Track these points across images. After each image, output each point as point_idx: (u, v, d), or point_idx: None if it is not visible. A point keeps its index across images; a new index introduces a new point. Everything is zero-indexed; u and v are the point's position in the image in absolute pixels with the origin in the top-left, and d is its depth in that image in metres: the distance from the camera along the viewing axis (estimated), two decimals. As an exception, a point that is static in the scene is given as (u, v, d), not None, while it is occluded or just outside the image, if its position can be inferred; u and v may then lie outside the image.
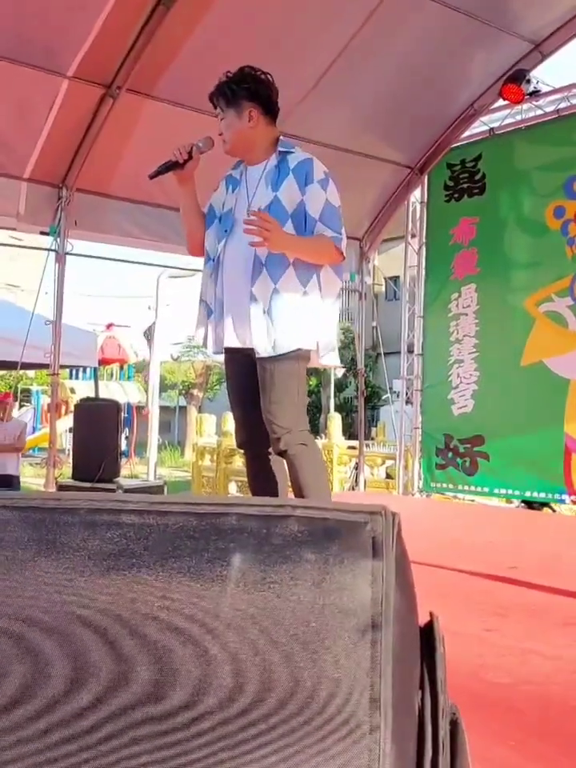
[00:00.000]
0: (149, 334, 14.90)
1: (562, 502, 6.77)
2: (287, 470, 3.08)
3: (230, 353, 3.16)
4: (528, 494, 6.85)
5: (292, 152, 3.11)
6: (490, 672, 2.15)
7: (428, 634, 0.76)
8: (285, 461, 3.05)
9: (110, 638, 0.67)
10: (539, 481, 6.62)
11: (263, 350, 3.01)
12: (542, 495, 6.73)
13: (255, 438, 3.14)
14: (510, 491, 7.00)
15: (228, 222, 3.12)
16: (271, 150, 3.12)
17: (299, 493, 3.00)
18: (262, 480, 3.19)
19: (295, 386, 3.05)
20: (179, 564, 0.67)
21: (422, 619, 0.78)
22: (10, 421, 9.34)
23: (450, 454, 7.32)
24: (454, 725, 0.74)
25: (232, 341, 3.09)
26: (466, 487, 7.25)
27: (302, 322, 3.04)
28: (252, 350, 3.04)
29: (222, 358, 3.24)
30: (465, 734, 0.75)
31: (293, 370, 3.04)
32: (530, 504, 7.25)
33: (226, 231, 3.12)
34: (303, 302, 3.04)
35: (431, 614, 0.79)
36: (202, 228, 3.22)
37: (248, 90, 3.06)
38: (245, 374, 3.10)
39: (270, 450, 3.14)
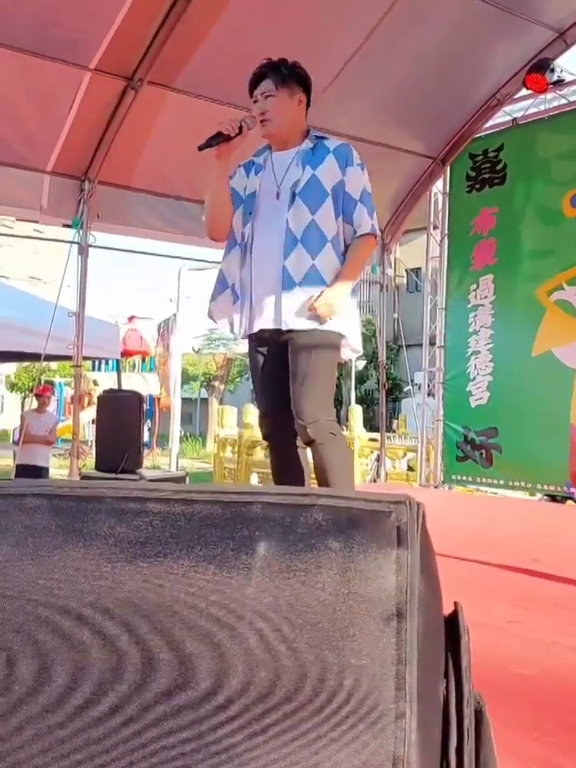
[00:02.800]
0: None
1: (572, 496, 6.73)
2: (311, 460, 3.07)
3: (259, 338, 3.12)
4: (539, 486, 6.82)
5: (327, 137, 3.19)
6: (514, 663, 2.14)
7: (452, 624, 0.76)
8: (310, 450, 3.04)
9: (136, 625, 0.67)
10: (548, 473, 6.58)
11: (301, 323, 2.98)
12: (552, 488, 6.69)
13: (281, 429, 3.12)
14: (523, 484, 6.96)
15: (252, 204, 3.12)
16: (302, 139, 3.15)
17: (324, 482, 2.98)
18: (285, 472, 3.17)
19: (328, 375, 3.05)
20: (205, 552, 0.68)
21: (447, 609, 0.78)
22: (45, 414, 9.47)
23: (469, 447, 7.30)
24: (479, 713, 0.74)
25: (265, 322, 3.06)
26: (485, 480, 7.23)
27: (342, 308, 3.06)
28: (285, 331, 3.02)
29: (244, 349, 3.22)
30: (490, 723, 0.75)
31: (327, 357, 3.04)
32: (552, 497, 7.21)
33: (250, 214, 3.12)
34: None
35: (456, 604, 0.79)
36: (230, 209, 3.16)
37: (299, 75, 3.13)
38: (273, 361, 3.07)
39: (296, 441, 3.13)
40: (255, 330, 3.10)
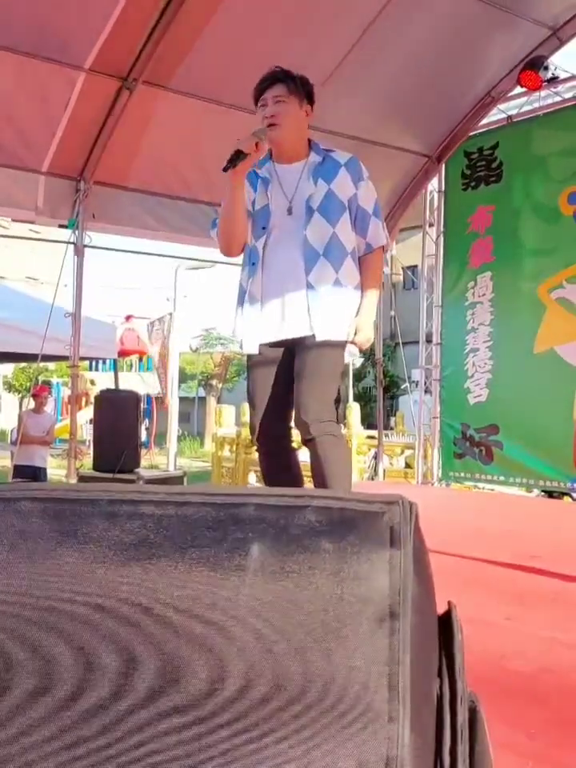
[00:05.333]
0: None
1: (572, 492, 6.75)
2: (309, 461, 3.05)
3: (268, 349, 3.12)
4: (541, 482, 6.83)
5: (334, 151, 3.19)
6: (511, 660, 2.14)
7: (446, 623, 0.77)
8: (308, 449, 3.03)
9: (130, 628, 0.68)
10: (551, 469, 6.59)
11: (328, 332, 3.01)
12: (555, 484, 6.70)
13: (274, 431, 3.12)
14: (524, 480, 6.97)
15: (265, 219, 3.10)
16: (305, 150, 3.15)
17: (321, 482, 2.97)
18: (280, 475, 3.16)
19: (334, 376, 3.07)
20: (198, 554, 0.68)
21: (442, 608, 0.78)
22: (43, 414, 9.46)
23: (467, 444, 7.30)
24: (473, 712, 0.74)
25: (288, 332, 3.06)
26: (483, 476, 7.24)
27: (351, 315, 3.10)
28: (300, 339, 3.03)
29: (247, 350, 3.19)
30: (484, 722, 0.75)
31: (338, 361, 3.07)
32: (549, 493, 7.22)
33: (263, 228, 3.10)
34: (355, 296, 3.11)
35: (449, 603, 0.79)
36: (246, 225, 3.14)
37: (308, 89, 3.14)
38: (279, 366, 3.08)
39: (287, 445, 3.14)
40: (273, 340, 3.09)
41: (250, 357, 3.18)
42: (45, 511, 0.71)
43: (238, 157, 2.90)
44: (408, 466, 10.11)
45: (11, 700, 0.68)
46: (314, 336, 3.02)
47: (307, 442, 2.99)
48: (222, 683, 0.65)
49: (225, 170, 2.92)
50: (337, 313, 3.04)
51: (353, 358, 3.20)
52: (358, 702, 0.64)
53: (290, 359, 3.05)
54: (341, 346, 3.06)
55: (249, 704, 0.65)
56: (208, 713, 0.66)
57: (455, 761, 0.69)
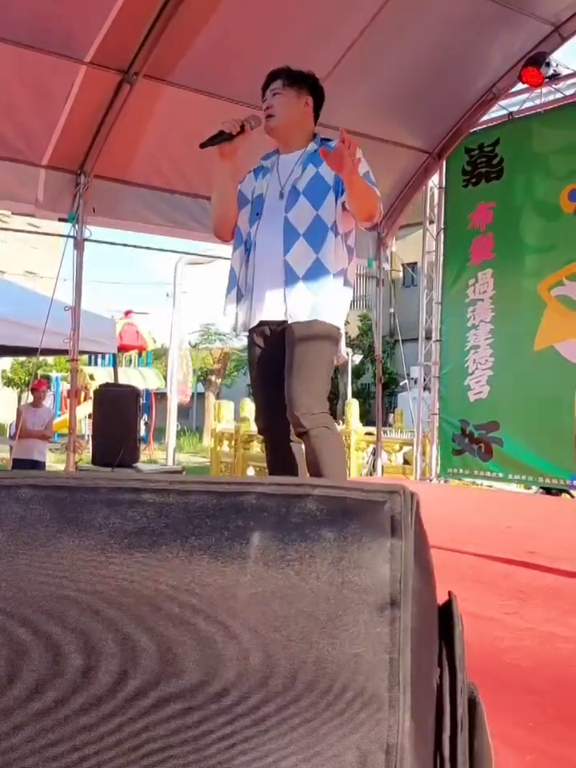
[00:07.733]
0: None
1: (574, 488, 6.76)
2: (305, 453, 3.07)
3: (257, 332, 3.15)
4: (540, 479, 6.84)
5: (332, 140, 3.20)
6: (510, 654, 2.15)
7: (446, 613, 0.77)
8: (303, 443, 3.05)
9: (131, 616, 0.68)
10: (551, 466, 6.60)
11: (301, 314, 3.02)
12: (555, 481, 6.71)
13: (277, 423, 3.13)
14: (523, 477, 6.98)
15: (260, 205, 3.18)
16: (307, 141, 3.22)
17: (316, 474, 2.99)
18: (280, 466, 3.18)
19: (324, 367, 3.07)
20: (199, 542, 0.68)
21: (441, 600, 0.78)
22: (41, 408, 9.46)
23: (466, 440, 7.31)
24: (473, 702, 0.74)
25: (268, 314, 3.10)
26: (482, 473, 7.24)
27: (342, 301, 3.10)
28: (283, 323, 3.05)
29: (240, 343, 3.25)
30: (484, 712, 0.75)
31: (323, 350, 3.06)
32: (548, 490, 7.23)
33: (257, 215, 3.17)
34: (341, 282, 3.11)
35: (449, 593, 0.79)
36: (234, 209, 3.22)
37: (309, 82, 3.25)
38: (272, 355, 3.10)
39: (291, 436, 3.15)
40: (256, 323, 3.13)
41: (249, 350, 3.22)
42: (46, 498, 0.71)
43: (218, 136, 2.99)
44: (406, 462, 10.12)
45: (14, 688, 0.67)
46: (292, 322, 3.04)
47: (301, 435, 3.01)
48: (221, 671, 0.65)
49: (202, 146, 3.03)
50: (311, 295, 3.04)
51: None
52: (359, 689, 0.64)
53: (283, 347, 3.07)
54: (326, 337, 3.07)
55: (249, 692, 0.65)
56: (209, 702, 0.66)
57: (455, 750, 0.69)
